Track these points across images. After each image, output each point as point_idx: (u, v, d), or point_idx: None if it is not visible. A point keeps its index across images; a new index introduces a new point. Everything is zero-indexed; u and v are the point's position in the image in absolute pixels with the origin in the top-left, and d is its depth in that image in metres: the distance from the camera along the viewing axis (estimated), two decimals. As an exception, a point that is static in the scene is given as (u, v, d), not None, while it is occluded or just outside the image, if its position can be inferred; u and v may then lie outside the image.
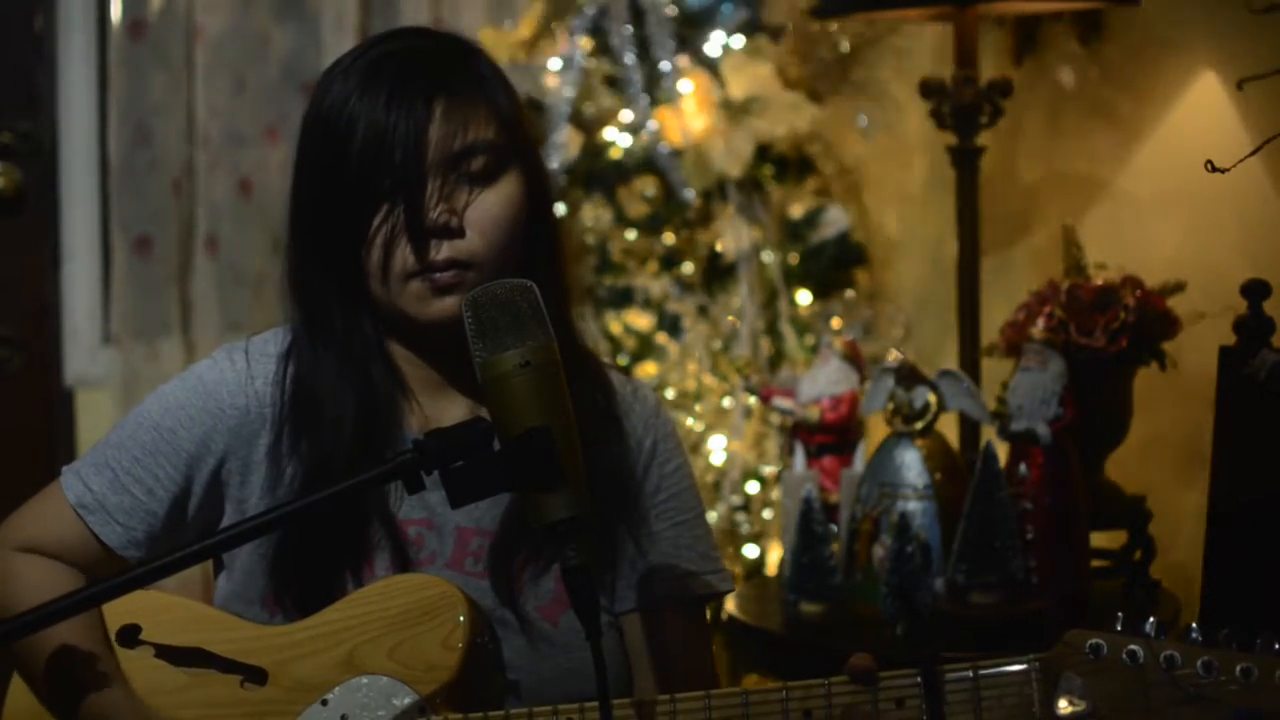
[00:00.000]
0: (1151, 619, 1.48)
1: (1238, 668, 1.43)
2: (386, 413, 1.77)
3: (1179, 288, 2.64)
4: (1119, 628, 1.49)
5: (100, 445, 1.82)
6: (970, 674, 1.52)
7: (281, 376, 1.80)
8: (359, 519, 1.76)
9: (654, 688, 1.80)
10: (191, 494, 1.80)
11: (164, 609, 1.77)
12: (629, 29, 3.49)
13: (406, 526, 1.77)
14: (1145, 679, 1.46)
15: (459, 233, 1.69)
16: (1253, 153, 2.22)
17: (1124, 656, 1.47)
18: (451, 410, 1.80)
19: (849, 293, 3.50)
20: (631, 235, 3.45)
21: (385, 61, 1.72)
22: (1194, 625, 1.47)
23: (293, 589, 1.75)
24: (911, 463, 2.56)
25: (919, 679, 1.52)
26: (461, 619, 1.67)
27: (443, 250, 1.68)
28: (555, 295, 1.74)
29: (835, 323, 3.40)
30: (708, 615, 2.00)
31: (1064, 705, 1.49)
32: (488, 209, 1.71)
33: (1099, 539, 2.67)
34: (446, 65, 1.73)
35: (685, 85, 3.48)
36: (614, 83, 3.52)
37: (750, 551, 3.38)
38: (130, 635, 1.76)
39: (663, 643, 1.82)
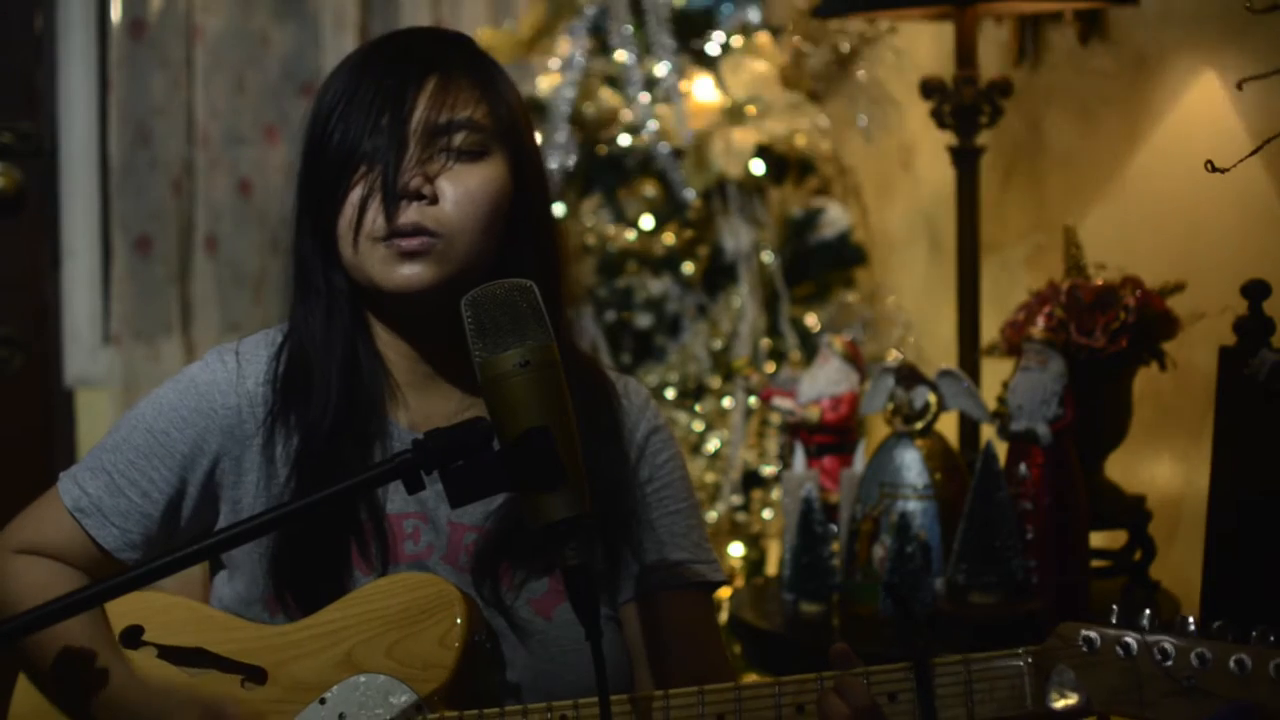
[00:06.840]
0: (1146, 610, 1.47)
1: (1231, 660, 1.42)
2: (370, 386, 1.79)
3: (1179, 288, 2.63)
4: (1113, 620, 1.48)
5: (96, 449, 1.83)
6: (962, 666, 1.52)
7: (273, 375, 1.81)
8: (353, 515, 1.76)
9: (650, 678, 1.80)
10: (186, 495, 1.80)
11: (166, 610, 1.79)
12: (629, 29, 3.49)
13: (401, 521, 1.78)
14: (1138, 671, 1.45)
15: (430, 199, 1.72)
16: (1253, 153, 2.22)
17: (1117, 649, 1.46)
18: (441, 404, 1.81)
19: (849, 293, 3.50)
20: (631, 235, 3.45)
21: (390, 40, 1.83)
22: (1189, 617, 1.46)
23: (292, 587, 1.75)
24: (911, 463, 2.56)
25: (911, 671, 1.52)
26: (459, 618, 1.67)
27: (410, 214, 1.71)
28: (550, 297, 1.74)
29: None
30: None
31: (1056, 698, 1.49)
32: (462, 182, 1.73)
33: (1099, 539, 2.67)
34: (445, 49, 1.79)
35: (685, 85, 3.48)
36: (614, 83, 3.51)
37: (751, 551, 3.38)
38: (133, 636, 1.76)
39: (658, 632, 1.82)
